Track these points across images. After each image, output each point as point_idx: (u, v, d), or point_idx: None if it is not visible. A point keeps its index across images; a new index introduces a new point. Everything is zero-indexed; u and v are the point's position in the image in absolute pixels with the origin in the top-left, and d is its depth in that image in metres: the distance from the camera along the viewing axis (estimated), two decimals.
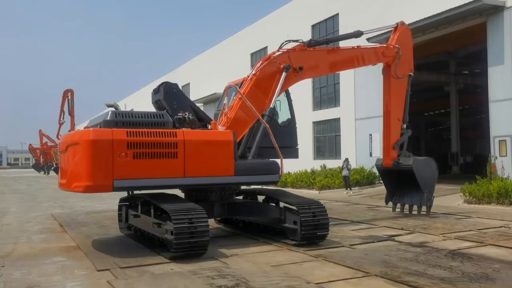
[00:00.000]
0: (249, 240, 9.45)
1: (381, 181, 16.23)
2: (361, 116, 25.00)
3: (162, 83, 9.57)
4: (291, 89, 10.65)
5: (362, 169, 23.35)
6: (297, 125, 10.79)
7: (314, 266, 7.08)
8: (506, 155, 17.17)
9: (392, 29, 12.82)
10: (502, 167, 17.03)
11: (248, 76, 9.99)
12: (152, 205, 8.52)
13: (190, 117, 9.09)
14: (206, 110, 32.14)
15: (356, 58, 11.70)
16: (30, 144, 75.36)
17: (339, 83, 27.41)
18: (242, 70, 29.73)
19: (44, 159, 67.68)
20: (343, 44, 14.19)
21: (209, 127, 9.31)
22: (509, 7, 17.36)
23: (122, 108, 11.16)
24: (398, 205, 13.29)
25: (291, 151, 10.36)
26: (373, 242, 8.97)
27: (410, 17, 18.32)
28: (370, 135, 23.06)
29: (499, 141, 17.47)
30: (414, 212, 12.80)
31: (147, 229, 8.92)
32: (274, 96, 9.83)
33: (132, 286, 6.16)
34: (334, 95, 28.23)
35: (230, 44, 40.38)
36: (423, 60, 23.82)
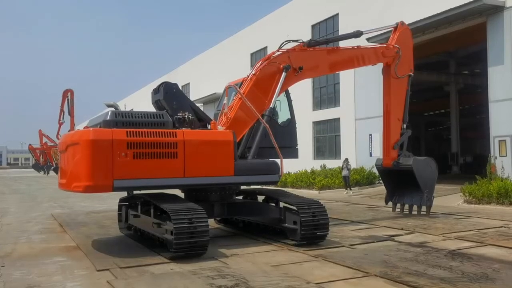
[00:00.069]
0: (249, 240, 9.45)
1: (381, 181, 16.24)
2: (361, 116, 25.01)
3: (162, 83, 9.57)
4: (291, 89, 10.65)
5: (362, 169, 23.35)
6: (297, 125, 10.79)
7: (314, 266, 7.08)
8: (506, 155, 17.17)
9: (392, 29, 12.82)
10: (502, 167, 17.03)
11: (248, 76, 9.99)
12: (152, 205, 8.52)
13: (190, 117, 9.09)
14: (206, 110, 32.13)
15: (356, 58, 11.70)
16: (30, 144, 75.41)
17: (339, 83, 27.42)
18: (242, 70, 29.73)
19: (44, 159, 67.70)
20: (343, 44, 14.20)
21: (209, 127, 9.31)
22: (509, 7, 17.36)
23: (122, 108, 11.17)
24: (398, 205, 13.29)
25: (291, 151, 10.35)
26: (373, 242, 8.97)
27: (410, 17, 18.32)
28: (370, 135, 23.06)
29: (499, 141, 17.47)
30: (414, 212, 12.80)
31: (147, 229, 8.93)
32: (274, 96, 9.83)
33: (132, 286, 6.16)
34: (334, 95, 28.24)
35: (230, 44, 40.38)
36: (423, 60, 23.83)
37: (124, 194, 10.01)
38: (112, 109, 8.59)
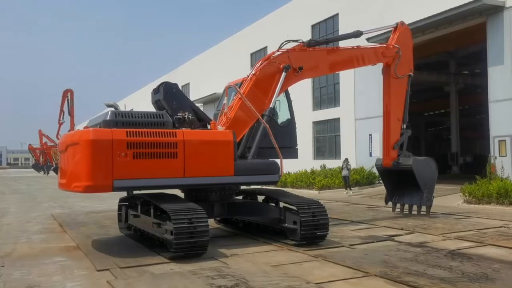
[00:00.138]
0: (249, 240, 9.45)
1: (381, 181, 16.24)
2: (361, 116, 25.01)
3: (162, 83, 9.57)
4: (290, 89, 10.65)
5: (362, 169, 23.35)
6: (296, 125, 10.79)
7: (314, 266, 7.08)
8: (505, 155, 17.18)
9: (392, 29, 12.82)
10: (502, 167, 17.04)
11: (248, 76, 9.99)
12: (152, 205, 8.52)
13: (190, 117, 9.09)
14: (206, 110, 32.14)
15: (356, 58, 11.70)
16: (30, 144, 75.40)
17: (339, 83, 27.42)
18: (242, 70, 29.73)
19: (43, 159, 67.69)
20: (343, 44, 14.20)
21: (209, 127, 9.31)
22: (509, 7, 17.36)
23: (122, 108, 11.16)
24: (398, 205, 13.29)
25: (291, 151, 10.35)
26: (373, 242, 8.97)
27: (410, 17, 18.32)
28: (370, 135, 23.06)
29: (499, 141, 17.47)
30: (414, 212, 12.80)
31: (147, 229, 8.92)
32: (274, 96, 9.83)
33: (132, 286, 6.16)
34: (334, 95, 28.24)
35: (230, 44, 40.38)
36: (423, 60, 23.83)
37: (124, 194, 10.01)
38: (112, 109, 8.59)
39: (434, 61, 27.79)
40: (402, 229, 10.40)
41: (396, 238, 9.30)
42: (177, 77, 47.05)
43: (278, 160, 9.15)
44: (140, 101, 57.11)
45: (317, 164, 26.86)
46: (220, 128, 9.26)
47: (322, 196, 19.87)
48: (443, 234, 9.69)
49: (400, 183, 12.80)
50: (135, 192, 9.46)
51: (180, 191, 9.58)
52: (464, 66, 30.84)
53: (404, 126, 12.75)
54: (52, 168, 59.61)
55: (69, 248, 8.97)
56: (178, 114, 9.06)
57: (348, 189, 21.20)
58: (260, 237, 9.53)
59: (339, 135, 27.40)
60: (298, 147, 10.81)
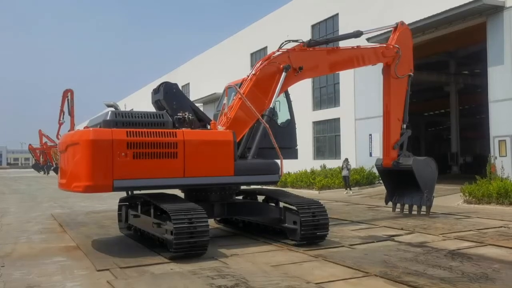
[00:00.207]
0: (249, 240, 9.45)
1: (381, 181, 16.24)
2: (361, 116, 25.01)
3: (162, 83, 9.57)
4: (290, 89, 10.64)
5: (362, 169, 23.35)
6: (296, 126, 10.79)
7: (314, 266, 7.08)
8: (506, 155, 17.17)
9: (392, 29, 12.82)
10: (502, 167, 17.04)
11: (248, 76, 9.99)
12: (152, 205, 8.52)
13: (190, 117, 9.09)
14: (206, 110, 32.17)
15: (356, 58, 11.70)
16: (30, 144, 75.40)
17: (339, 83, 27.42)
18: (242, 70, 29.73)
19: (44, 159, 67.69)
20: (343, 44, 14.20)
21: (209, 128, 9.31)
22: (509, 7, 17.36)
23: (122, 108, 11.16)
24: (398, 205, 13.29)
25: (291, 151, 10.35)
26: (373, 242, 8.98)
27: (410, 17, 18.32)
28: (370, 135, 23.06)
29: (499, 141, 17.47)
30: (414, 212, 12.80)
31: (147, 229, 8.93)
32: (274, 96, 9.83)
33: (132, 286, 6.16)
34: (334, 95, 28.24)
35: (230, 44, 40.38)
36: (423, 60, 23.83)
37: (124, 194, 10.00)
38: (112, 109, 8.59)
39: (434, 61, 27.79)
40: (402, 229, 10.40)
41: (396, 238, 9.30)
42: (177, 77, 47.05)
43: (278, 160, 9.15)
44: (140, 101, 57.11)
45: (317, 164, 26.86)
46: (220, 128, 9.27)
47: (322, 196, 19.88)
48: (443, 234, 9.69)
49: (400, 183, 12.80)
50: (135, 192, 9.46)
51: (180, 191, 9.58)
52: (464, 66, 30.84)
53: (404, 126, 12.76)
54: (52, 168, 59.61)
55: (69, 248, 8.97)
56: (178, 114, 9.06)
57: (348, 189, 21.20)
58: (260, 237, 9.53)
59: (339, 135, 27.40)
60: (298, 147, 10.81)
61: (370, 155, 22.80)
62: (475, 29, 19.22)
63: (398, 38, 12.47)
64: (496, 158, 17.47)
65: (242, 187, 10.15)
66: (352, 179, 21.82)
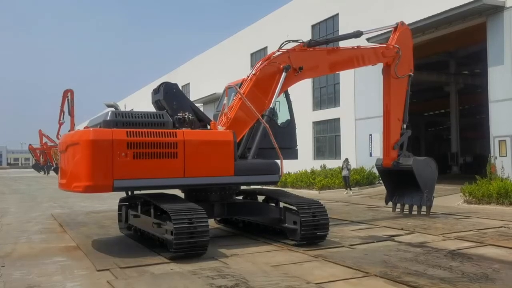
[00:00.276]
0: (249, 240, 9.45)
1: (381, 181, 16.24)
2: (361, 116, 25.01)
3: (162, 83, 9.57)
4: (290, 89, 10.64)
5: (362, 169, 23.35)
6: (296, 126, 10.79)
7: (314, 266, 7.08)
8: (506, 155, 17.17)
9: (392, 29, 12.81)
10: (502, 167, 17.03)
11: (248, 76, 9.99)
12: (152, 205, 8.52)
13: (190, 117, 9.09)
14: (206, 110, 32.18)
15: (356, 58, 11.70)
16: (30, 144, 75.41)
17: (339, 83, 27.42)
18: (242, 70, 29.74)
19: (44, 159, 67.69)
20: (343, 44, 14.20)
21: (209, 128, 9.31)
22: (509, 7, 17.36)
23: (122, 108, 11.17)
24: (398, 205, 13.29)
25: (291, 152, 10.35)
26: (373, 242, 8.98)
27: (410, 17, 18.32)
28: (370, 135, 23.05)
29: (499, 141, 17.47)
30: (414, 212, 12.81)
31: (147, 229, 8.93)
32: (274, 96, 9.83)
33: (132, 286, 6.16)
34: (334, 95, 28.24)
35: (230, 44, 40.39)
36: (423, 60, 23.82)
37: (123, 194, 10.00)
38: (112, 109, 8.59)
39: (434, 61, 27.79)
40: (402, 229, 10.40)
41: (396, 238, 9.30)
42: (177, 77, 47.05)
43: (278, 160, 9.15)
44: (140, 101, 57.12)
45: (317, 164, 26.86)
46: (220, 128, 9.27)
47: (322, 196, 19.88)
48: (443, 234, 9.69)
49: (400, 183, 12.80)
50: (135, 192, 9.46)
51: (180, 191, 9.58)
52: (464, 66, 30.84)
53: (404, 126, 12.76)
54: (52, 168, 59.61)
55: (69, 248, 8.97)
56: (178, 114, 9.06)
57: (348, 189, 21.20)
58: (260, 237, 9.53)
59: (339, 135, 27.40)
60: (298, 147, 10.81)
61: (370, 155, 22.78)
62: (475, 29, 19.22)
63: (398, 38, 12.47)
64: (496, 158, 17.47)
65: (242, 187, 10.15)
66: (352, 179, 21.83)
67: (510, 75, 17.19)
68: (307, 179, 23.63)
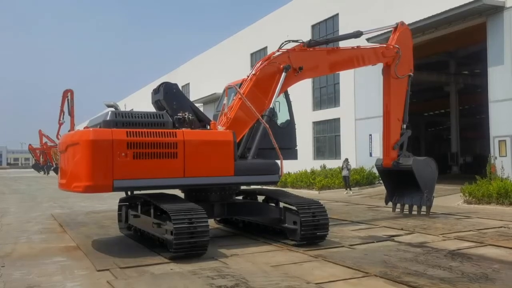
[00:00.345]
0: (249, 240, 9.45)
1: (381, 181, 16.24)
2: (361, 116, 25.01)
3: (162, 83, 9.57)
4: (290, 89, 10.64)
5: (362, 169, 23.35)
6: (296, 126, 10.78)
7: (314, 266, 7.08)
8: (506, 155, 17.17)
9: (392, 29, 12.81)
10: (502, 167, 17.03)
11: (248, 76, 9.99)
12: (152, 205, 8.52)
13: (190, 117, 9.09)
14: (206, 110, 32.19)
15: (356, 58, 11.69)
16: (30, 144, 75.37)
17: (339, 83, 27.42)
18: (242, 70, 29.74)
19: (44, 159, 67.67)
20: (343, 44, 14.20)
21: (209, 128, 9.31)
22: (509, 7, 17.36)
23: (122, 108, 11.16)
24: (398, 205, 13.29)
25: (290, 152, 10.35)
26: (373, 242, 8.98)
27: (410, 17, 18.32)
28: (370, 135, 23.06)
29: (499, 141, 17.47)
30: (414, 212, 12.81)
31: (147, 229, 8.93)
32: (274, 96, 9.83)
33: (132, 286, 6.16)
34: (334, 95, 28.24)
35: (230, 44, 40.39)
36: (423, 60, 23.82)
37: (123, 194, 10.00)
38: (112, 109, 8.59)
39: (434, 61, 27.79)
40: (402, 229, 10.40)
41: (396, 238, 9.30)
42: (177, 77, 47.05)
43: (278, 161, 9.15)
44: (140, 101, 57.11)
45: (317, 164, 26.86)
46: (220, 128, 9.27)
47: (322, 196, 19.88)
48: (443, 234, 9.69)
49: (400, 183, 12.80)
50: (135, 192, 9.46)
51: (180, 191, 9.58)
52: (464, 66, 30.84)
53: (404, 126, 12.75)
54: (52, 168, 59.60)
55: (69, 248, 8.97)
56: (178, 114, 9.06)
57: (348, 189, 21.20)
58: (260, 237, 9.54)
59: (339, 135, 27.40)
60: (298, 147, 10.81)
61: (370, 155, 22.80)
62: (475, 29, 19.22)
63: (398, 38, 12.47)
64: (496, 158, 17.47)
65: (242, 187, 10.15)
66: (352, 179, 21.83)
67: (510, 75, 17.19)
68: (307, 179, 23.63)
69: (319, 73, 13.75)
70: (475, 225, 11.02)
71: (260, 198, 10.24)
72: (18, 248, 9.13)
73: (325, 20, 28.81)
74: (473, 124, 39.79)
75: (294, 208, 8.68)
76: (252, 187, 10.93)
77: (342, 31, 25.64)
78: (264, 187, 11.40)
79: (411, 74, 12.73)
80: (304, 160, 22.41)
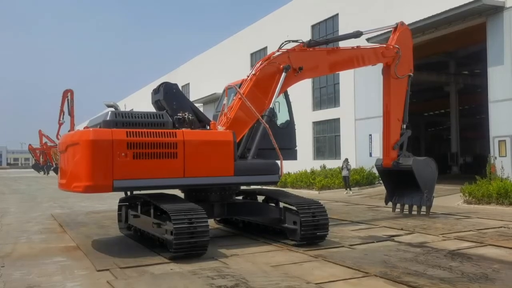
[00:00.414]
0: (249, 240, 9.45)
1: (381, 181, 16.24)
2: (361, 116, 25.01)
3: (162, 83, 9.57)
4: (290, 89, 10.65)
5: (362, 169, 23.35)
6: (296, 126, 10.78)
7: (314, 266, 7.08)
8: (505, 156, 17.18)
9: (391, 29, 12.81)
10: (502, 167, 17.04)
11: (248, 77, 9.99)
12: (152, 205, 8.52)
13: (190, 117, 9.09)
14: (206, 110, 32.18)
15: (356, 59, 11.70)
16: (29, 144, 75.34)
17: (339, 83, 27.43)
18: (242, 70, 29.75)
19: (43, 159, 67.66)
20: (343, 44, 14.20)
21: (208, 128, 9.31)
22: (508, 8, 17.37)
23: (122, 108, 11.16)
24: (398, 205, 13.29)
25: (290, 152, 10.35)
26: (373, 242, 8.98)
27: (410, 17, 18.33)
28: (370, 135, 23.06)
29: (499, 141, 17.48)
30: (414, 212, 12.81)
31: (147, 229, 8.93)
32: (274, 97, 9.83)
33: (132, 286, 6.16)
34: (334, 95, 28.25)
35: (230, 44, 40.39)
36: (423, 60, 23.83)
37: (123, 194, 10.00)
38: (112, 109, 8.59)
39: (434, 61, 27.80)
40: (402, 229, 10.40)
41: (396, 238, 9.30)
42: (177, 77, 47.06)
43: (278, 161, 9.15)
44: (140, 101, 57.12)
45: (317, 164, 26.86)
46: (220, 128, 9.27)
47: (322, 196, 19.88)
48: (443, 234, 9.69)
49: (400, 183, 12.80)
50: (135, 192, 9.47)
51: (180, 191, 9.58)
52: (464, 66, 30.85)
53: (404, 126, 12.76)
54: (52, 168, 59.60)
55: (69, 248, 8.98)
56: (178, 114, 9.06)
57: (348, 189, 21.20)
58: (260, 237, 9.54)
59: (339, 135, 27.41)
60: (298, 147, 10.81)
61: (370, 155, 22.79)
62: (475, 29, 19.23)
63: (398, 38, 12.47)
64: (496, 158, 17.47)
65: (242, 187, 10.15)
66: (352, 179, 21.83)
67: (510, 75, 17.19)
68: (307, 179, 23.63)
69: (319, 73, 13.75)
70: (475, 225, 11.02)
71: (260, 198, 10.24)
72: (18, 248, 9.13)
73: (325, 20, 28.82)
74: (473, 124, 39.81)
75: (294, 208, 8.68)
76: (252, 187, 10.93)
77: (342, 31, 25.64)
78: (264, 187, 11.40)
79: (411, 74, 12.73)
80: (304, 160, 22.41)
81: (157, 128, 8.36)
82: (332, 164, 25.88)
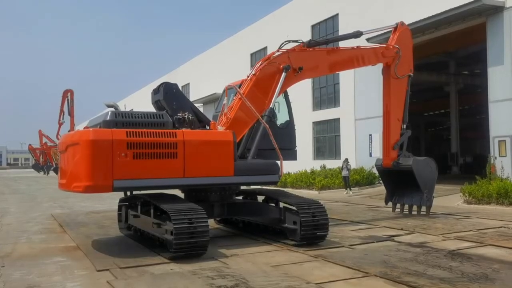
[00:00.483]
0: (249, 240, 9.45)
1: (381, 181, 16.24)
2: (361, 116, 25.01)
3: (162, 83, 9.57)
4: (290, 89, 10.65)
5: (362, 169, 23.35)
6: (296, 126, 10.78)
7: (314, 266, 7.08)
8: (505, 156, 17.18)
9: (391, 29, 12.81)
10: (502, 168, 17.04)
11: (248, 77, 9.99)
12: (151, 205, 8.52)
13: (190, 117, 9.09)
14: (206, 110, 32.19)
15: (356, 59, 11.69)
16: (29, 144, 75.35)
17: (339, 83, 27.43)
18: (242, 70, 29.75)
19: (43, 159, 67.65)
20: (342, 44, 14.20)
21: (208, 128, 9.31)
22: (508, 8, 17.37)
23: (122, 108, 11.16)
24: (398, 205, 13.29)
25: (290, 153, 10.35)
26: (373, 242, 8.98)
27: (410, 17, 18.33)
28: (370, 135, 23.07)
29: (499, 141, 17.48)
30: (414, 212, 12.81)
31: (147, 229, 8.93)
32: (274, 97, 9.83)
33: (132, 286, 6.16)
34: (334, 95, 28.25)
35: (230, 44, 40.39)
36: (423, 60, 23.84)
37: (123, 194, 10.00)
38: (112, 109, 8.59)
39: (434, 61, 27.80)
40: (402, 229, 10.40)
41: (396, 238, 9.30)
42: (177, 77, 47.06)
43: (278, 161, 9.15)
44: (140, 101, 57.11)
45: (317, 164, 26.86)
46: (220, 128, 9.27)
47: (322, 196, 19.88)
48: (443, 234, 9.69)
49: (400, 183, 12.80)
50: (135, 192, 9.46)
51: (180, 191, 9.58)
52: (464, 66, 30.86)
53: (404, 126, 12.75)
54: (52, 168, 59.59)
55: (69, 248, 8.97)
56: (178, 114, 9.06)
57: (348, 189, 21.20)
58: (260, 237, 9.54)
59: (339, 135, 27.41)
60: (298, 147, 10.81)
61: (370, 155, 22.80)
62: (475, 29, 19.23)
63: (398, 38, 12.47)
64: (496, 158, 17.48)
65: (242, 187, 10.15)
66: (352, 179, 21.83)
67: (510, 75, 17.20)
68: (307, 179, 23.63)
69: (319, 73, 13.75)
70: (475, 225, 11.02)
71: (260, 198, 10.24)
72: (18, 248, 9.13)
73: (325, 20, 28.82)
74: (473, 124, 39.81)
75: (294, 208, 8.68)
76: (252, 187, 10.92)
77: (342, 31, 25.65)
78: (264, 187, 11.40)
79: (411, 74, 12.73)
80: (304, 160, 22.43)
81: (157, 128, 8.35)
82: (332, 164, 25.88)
